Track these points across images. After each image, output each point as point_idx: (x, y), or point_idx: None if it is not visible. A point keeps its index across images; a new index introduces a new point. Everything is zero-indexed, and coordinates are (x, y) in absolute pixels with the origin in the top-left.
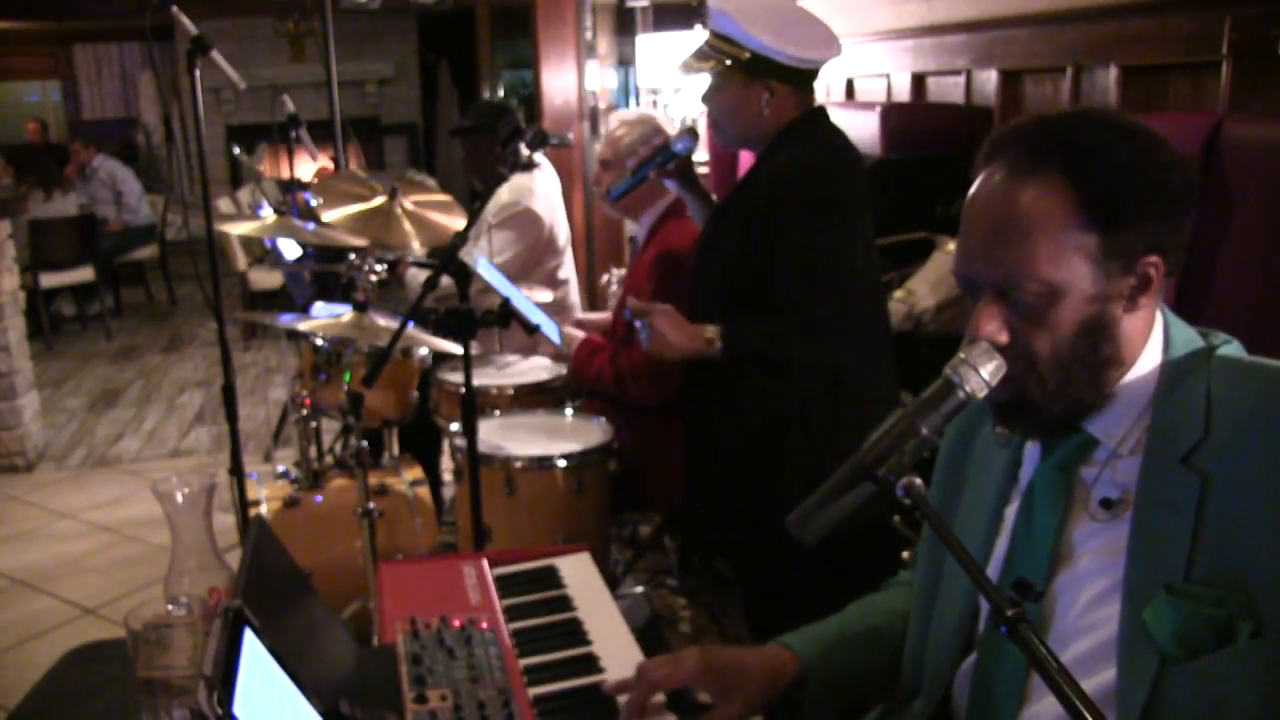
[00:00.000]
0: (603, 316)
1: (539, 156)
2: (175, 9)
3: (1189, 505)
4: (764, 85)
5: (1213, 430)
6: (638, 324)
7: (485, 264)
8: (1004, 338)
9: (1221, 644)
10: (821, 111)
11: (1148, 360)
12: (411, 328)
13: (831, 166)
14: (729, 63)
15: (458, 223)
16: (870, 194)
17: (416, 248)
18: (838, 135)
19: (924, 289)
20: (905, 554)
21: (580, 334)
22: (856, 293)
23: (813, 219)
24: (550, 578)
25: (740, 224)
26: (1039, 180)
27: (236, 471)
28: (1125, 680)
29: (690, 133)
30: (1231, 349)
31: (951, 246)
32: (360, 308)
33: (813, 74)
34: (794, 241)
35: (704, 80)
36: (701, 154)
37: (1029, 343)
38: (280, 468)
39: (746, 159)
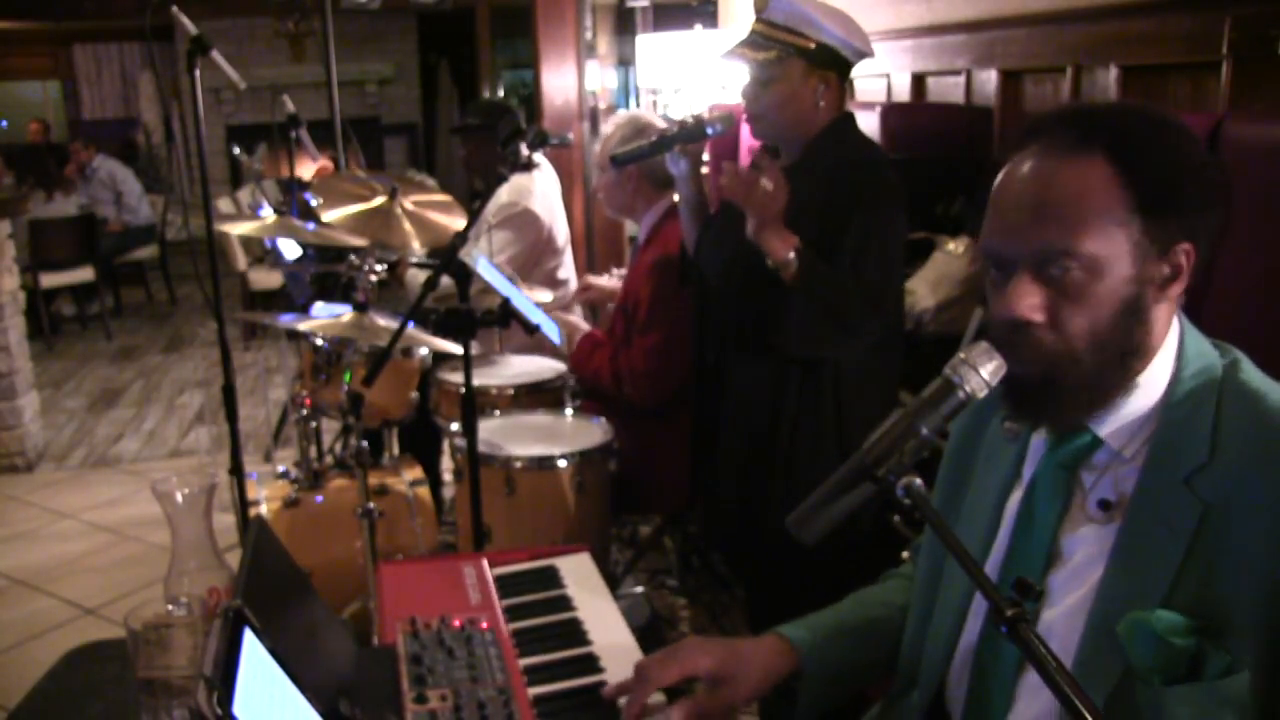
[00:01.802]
0: (612, 282)
1: (538, 156)
2: (175, 9)
3: (1186, 528)
4: (821, 77)
5: (1217, 458)
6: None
7: (485, 264)
8: (1040, 315)
9: (1191, 676)
10: (853, 115)
11: (1161, 364)
12: (411, 328)
13: (888, 170)
14: (791, 52)
15: (458, 223)
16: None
17: (416, 248)
18: (870, 139)
19: (924, 289)
20: (905, 554)
21: (583, 326)
22: (898, 291)
23: (891, 212)
24: (550, 578)
25: (812, 218)
26: (1084, 160)
27: (236, 471)
28: (1032, 688)
29: (728, 118)
30: (1244, 366)
31: (951, 246)
32: (360, 308)
33: (850, 69)
34: (871, 229)
35: (738, 74)
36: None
37: (1066, 321)
38: (280, 468)
39: (745, 160)
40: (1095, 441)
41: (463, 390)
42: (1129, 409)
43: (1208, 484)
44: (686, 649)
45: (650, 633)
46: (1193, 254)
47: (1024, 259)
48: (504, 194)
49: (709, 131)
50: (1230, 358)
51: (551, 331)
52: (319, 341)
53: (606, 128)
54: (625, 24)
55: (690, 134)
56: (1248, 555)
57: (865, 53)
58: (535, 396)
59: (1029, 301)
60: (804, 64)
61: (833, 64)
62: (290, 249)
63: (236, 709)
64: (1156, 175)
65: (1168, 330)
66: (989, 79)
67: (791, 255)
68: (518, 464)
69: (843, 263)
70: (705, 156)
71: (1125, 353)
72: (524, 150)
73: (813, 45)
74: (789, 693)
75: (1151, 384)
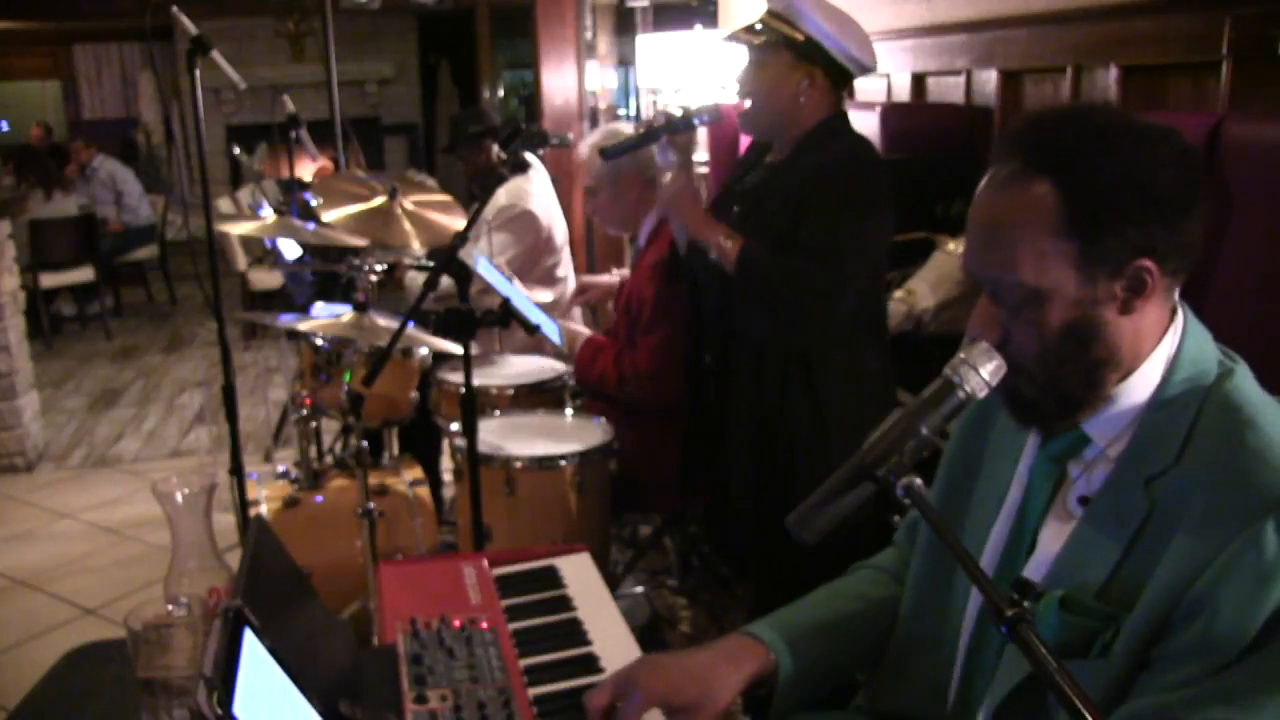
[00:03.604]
0: (609, 279)
1: (530, 156)
2: (175, 9)
3: (1132, 524)
4: (806, 71)
5: (1180, 464)
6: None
7: (486, 264)
8: (994, 335)
9: (1079, 653)
10: (846, 115)
11: (1152, 367)
12: (411, 328)
13: (870, 167)
14: (780, 40)
15: (458, 223)
16: (892, 199)
17: (416, 248)
18: (865, 139)
19: (924, 289)
20: (896, 517)
21: (584, 331)
22: (861, 283)
23: (868, 213)
24: (550, 578)
25: (778, 216)
26: (1028, 186)
27: (236, 471)
28: (1006, 664)
29: (713, 109)
30: (1237, 376)
31: (952, 246)
32: (360, 308)
33: (850, 77)
34: (839, 226)
35: (739, 65)
36: (701, 154)
37: (1018, 341)
38: (280, 468)
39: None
40: (1084, 437)
41: (463, 390)
42: (1116, 407)
43: (1163, 487)
44: (642, 680)
45: (650, 633)
46: (1155, 268)
47: (983, 282)
48: (502, 196)
49: (695, 122)
50: (1226, 367)
51: (551, 331)
52: (319, 341)
53: (585, 157)
54: (625, 24)
55: (677, 125)
56: (1172, 557)
57: (862, 61)
58: (535, 396)
59: (984, 321)
60: (791, 55)
61: (820, 61)
62: (290, 249)
63: (236, 709)
64: (1100, 196)
65: (1158, 334)
66: (989, 79)
67: (726, 244)
68: (518, 464)
69: (803, 250)
70: (705, 156)
71: (1084, 368)
72: (521, 151)
73: (801, 37)
74: (763, 695)
75: (1140, 385)
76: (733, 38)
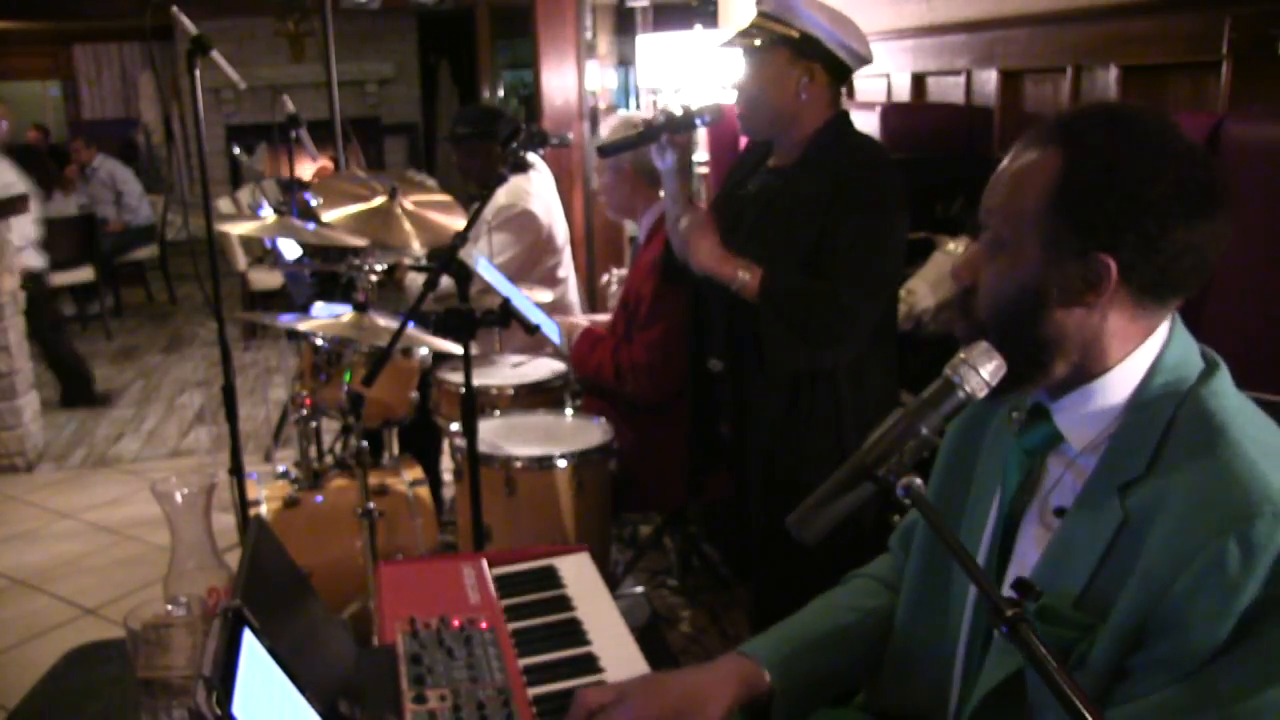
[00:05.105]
0: (605, 319)
1: (532, 157)
2: (175, 9)
3: (1105, 535)
4: (805, 67)
5: (1152, 472)
6: (678, 225)
7: (485, 264)
8: (968, 277)
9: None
10: (849, 116)
11: (1129, 371)
12: (411, 328)
13: (890, 169)
14: (776, 39)
15: (458, 223)
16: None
17: (417, 248)
18: (874, 139)
19: (924, 289)
20: (896, 517)
21: (581, 322)
22: (889, 291)
23: (892, 214)
24: (550, 578)
25: (813, 217)
26: (1044, 148)
27: (236, 471)
28: (990, 671)
29: (715, 109)
30: (1214, 381)
31: (951, 246)
32: (360, 308)
33: (848, 72)
34: (870, 232)
35: (737, 69)
36: (701, 154)
37: (981, 287)
38: (280, 468)
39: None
40: (1057, 433)
41: (463, 390)
42: (1088, 407)
43: (1136, 496)
44: (638, 697)
45: (650, 633)
46: (1113, 267)
47: (984, 217)
48: (501, 196)
49: (697, 122)
50: (1205, 372)
51: (552, 331)
52: (319, 341)
53: (601, 131)
54: (625, 24)
55: (678, 124)
56: (1144, 568)
57: (859, 53)
58: (535, 396)
59: (967, 266)
60: (788, 53)
61: (818, 56)
62: (290, 249)
63: (236, 709)
64: (1089, 180)
65: (1132, 344)
66: (989, 79)
67: (745, 276)
68: (518, 464)
69: (835, 263)
70: (705, 156)
71: (1030, 341)
72: (521, 151)
73: (796, 34)
74: (760, 711)
75: (1115, 388)
76: (729, 44)
